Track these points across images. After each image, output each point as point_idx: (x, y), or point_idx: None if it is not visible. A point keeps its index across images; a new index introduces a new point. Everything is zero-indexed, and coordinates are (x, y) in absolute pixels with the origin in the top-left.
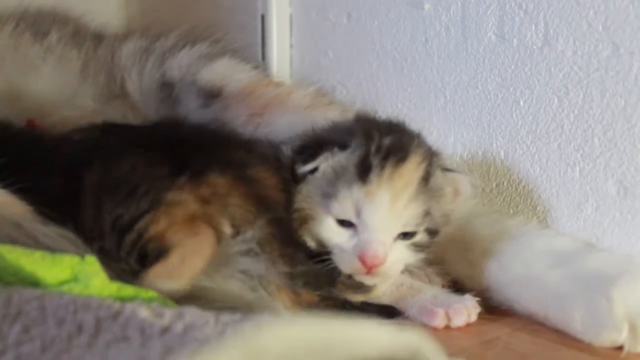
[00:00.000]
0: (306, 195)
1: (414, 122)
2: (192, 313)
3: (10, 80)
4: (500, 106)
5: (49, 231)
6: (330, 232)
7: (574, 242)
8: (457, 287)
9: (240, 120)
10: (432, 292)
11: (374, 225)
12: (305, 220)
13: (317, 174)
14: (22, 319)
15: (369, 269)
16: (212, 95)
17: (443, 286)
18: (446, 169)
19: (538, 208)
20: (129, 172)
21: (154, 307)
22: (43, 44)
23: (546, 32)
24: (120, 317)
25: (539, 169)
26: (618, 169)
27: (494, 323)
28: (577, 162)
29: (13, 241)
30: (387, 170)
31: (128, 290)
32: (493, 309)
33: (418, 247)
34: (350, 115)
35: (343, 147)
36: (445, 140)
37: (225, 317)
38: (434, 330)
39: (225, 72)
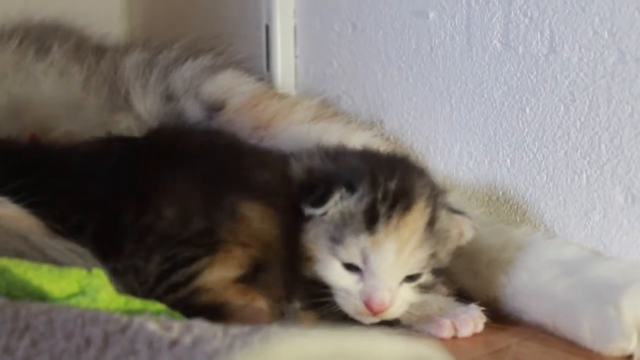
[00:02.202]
0: (313, 236)
1: (420, 131)
2: (200, 326)
3: (12, 94)
4: (506, 114)
5: (57, 244)
6: (336, 275)
7: (581, 250)
8: (463, 295)
9: (244, 133)
10: (437, 303)
11: (380, 273)
12: (309, 259)
13: (325, 217)
14: (31, 333)
15: (375, 314)
16: (215, 108)
17: (448, 295)
18: (451, 210)
19: (545, 216)
20: (178, 219)
21: (162, 320)
22: (45, 59)
23: (552, 40)
24: (128, 330)
25: (545, 177)
26: (625, 176)
27: (503, 332)
28: (584, 169)
29: (20, 254)
30: (394, 219)
31: (136, 303)
32: (501, 319)
33: (423, 287)
34: (354, 137)
35: (351, 189)
36: (451, 149)
37: (234, 329)
38: (441, 341)
39: (228, 85)
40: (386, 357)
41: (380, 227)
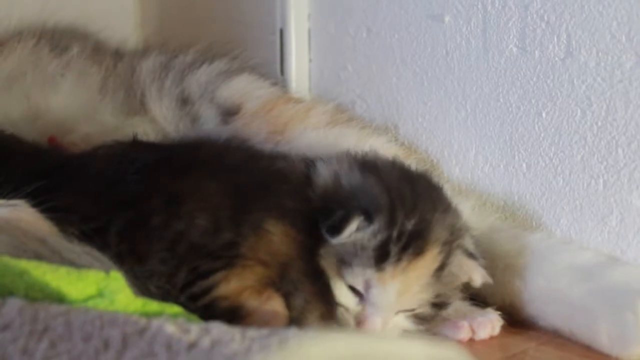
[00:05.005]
0: (324, 254)
1: (435, 135)
2: (218, 328)
3: (30, 96)
4: (522, 118)
5: (74, 247)
6: (340, 293)
7: (598, 255)
8: (478, 300)
9: (259, 138)
10: (453, 306)
11: (378, 306)
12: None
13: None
14: (49, 335)
15: None
16: (231, 112)
17: (463, 299)
18: (467, 252)
19: (561, 221)
20: (209, 229)
21: (180, 322)
22: (62, 60)
23: (568, 44)
24: (146, 332)
25: (562, 181)
26: None
27: (520, 337)
28: (601, 174)
29: (39, 257)
30: (403, 262)
31: (153, 305)
32: (518, 323)
33: (420, 319)
34: (369, 142)
35: (368, 218)
36: (467, 154)
37: (252, 332)
38: (458, 343)
39: (244, 89)
40: (411, 359)
41: (388, 267)
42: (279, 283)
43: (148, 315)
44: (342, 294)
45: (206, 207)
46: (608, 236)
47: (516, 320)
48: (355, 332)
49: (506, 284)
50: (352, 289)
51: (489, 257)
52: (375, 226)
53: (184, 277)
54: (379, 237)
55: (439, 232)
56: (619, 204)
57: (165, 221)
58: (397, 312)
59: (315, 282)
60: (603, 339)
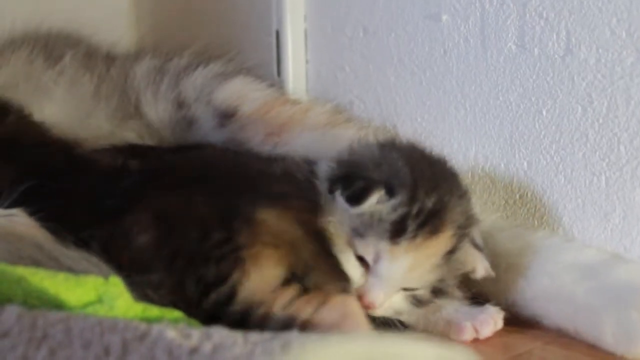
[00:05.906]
0: (335, 222)
1: (434, 135)
2: (220, 333)
3: (24, 103)
4: (522, 117)
5: (71, 253)
6: (347, 262)
7: (601, 253)
8: (480, 300)
9: (257, 140)
10: (453, 307)
11: (385, 279)
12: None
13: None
14: (48, 342)
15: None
16: (227, 115)
17: (464, 299)
18: (473, 243)
19: (564, 219)
20: (200, 238)
21: (181, 327)
22: (56, 68)
23: (568, 41)
24: (147, 338)
25: (563, 179)
26: None
27: (524, 336)
28: (603, 171)
29: (36, 263)
30: (419, 239)
31: (153, 311)
32: (521, 322)
33: (417, 301)
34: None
35: (390, 192)
36: (467, 153)
37: (254, 336)
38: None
39: (240, 92)
40: None
41: (403, 241)
42: (295, 264)
43: (148, 321)
44: (349, 264)
45: (195, 220)
46: (611, 234)
47: (519, 320)
48: (360, 334)
49: (509, 283)
50: (360, 259)
51: (491, 256)
52: (396, 200)
53: (193, 290)
54: (399, 212)
55: (456, 215)
56: (621, 201)
57: (156, 240)
58: (399, 290)
59: (328, 262)
60: (608, 338)
